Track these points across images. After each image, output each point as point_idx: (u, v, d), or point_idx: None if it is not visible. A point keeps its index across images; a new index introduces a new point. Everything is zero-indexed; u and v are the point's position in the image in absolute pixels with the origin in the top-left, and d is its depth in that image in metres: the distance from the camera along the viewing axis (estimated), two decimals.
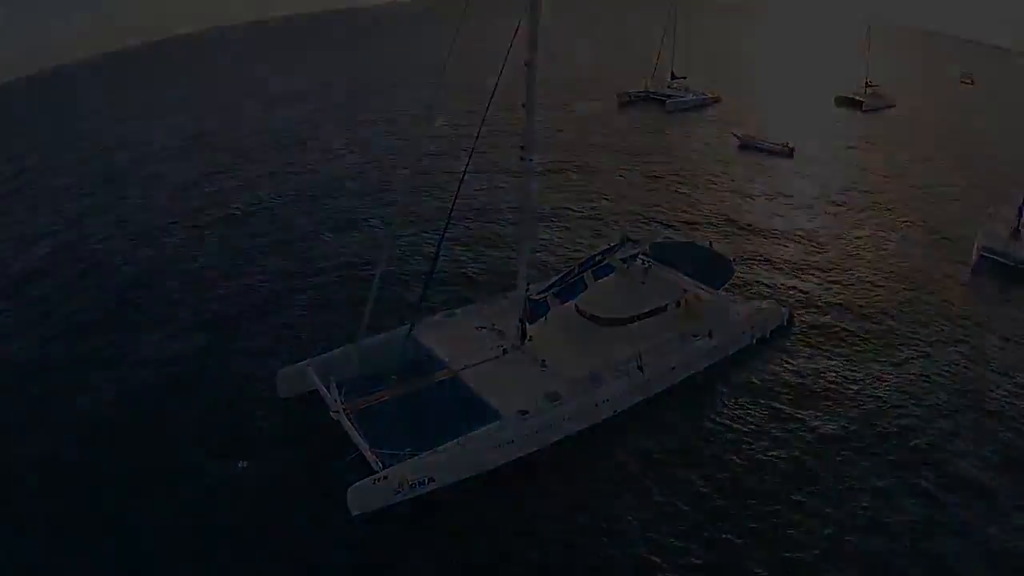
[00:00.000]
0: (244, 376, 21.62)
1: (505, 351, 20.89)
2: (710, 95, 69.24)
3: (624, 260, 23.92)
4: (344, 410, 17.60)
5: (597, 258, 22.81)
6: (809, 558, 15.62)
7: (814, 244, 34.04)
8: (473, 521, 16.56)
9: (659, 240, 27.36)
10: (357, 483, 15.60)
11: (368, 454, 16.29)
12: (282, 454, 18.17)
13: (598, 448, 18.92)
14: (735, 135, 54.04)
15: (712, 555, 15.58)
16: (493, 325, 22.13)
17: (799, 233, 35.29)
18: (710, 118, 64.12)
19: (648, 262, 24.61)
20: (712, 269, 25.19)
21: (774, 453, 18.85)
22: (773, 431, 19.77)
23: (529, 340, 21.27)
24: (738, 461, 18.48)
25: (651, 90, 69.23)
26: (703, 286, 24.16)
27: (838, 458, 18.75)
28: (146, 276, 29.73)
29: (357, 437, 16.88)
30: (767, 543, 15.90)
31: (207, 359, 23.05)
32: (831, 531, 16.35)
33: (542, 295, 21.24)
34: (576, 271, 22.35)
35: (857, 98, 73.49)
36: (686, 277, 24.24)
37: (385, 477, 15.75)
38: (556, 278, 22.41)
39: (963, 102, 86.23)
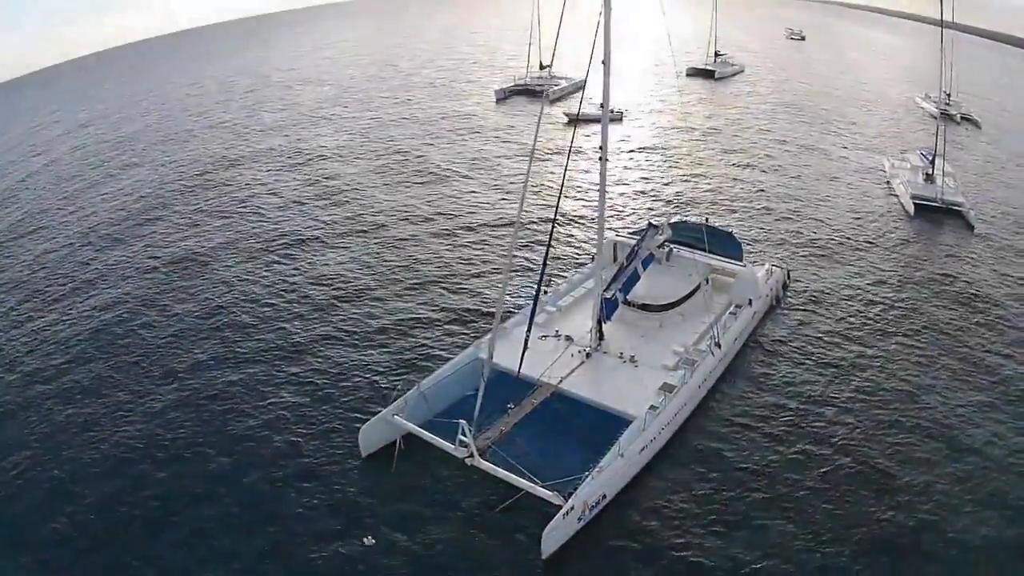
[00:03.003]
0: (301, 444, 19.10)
1: (588, 355, 20.59)
2: (576, 80, 70.89)
3: (659, 247, 24.31)
4: (477, 452, 16.36)
5: (637, 250, 23.05)
6: None
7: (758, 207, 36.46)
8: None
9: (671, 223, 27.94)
10: (550, 523, 14.65)
11: (541, 490, 15.23)
12: (414, 519, 16.40)
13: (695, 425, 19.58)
14: (563, 113, 56.25)
15: None
16: (557, 332, 21.70)
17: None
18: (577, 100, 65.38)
19: (669, 246, 25.19)
20: (722, 243, 26.20)
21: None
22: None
23: (602, 339, 21.15)
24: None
25: (526, 83, 70.00)
26: (730, 260, 25.16)
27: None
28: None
29: (513, 477, 15.64)
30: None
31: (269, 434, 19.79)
32: None
33: (611, 293, 21.16)
34: (626, 265, 22.50)
35: (708, 68, 78.41)
36: (709, 255, 25.02)
37: (572, 507, 14.98)
38: (613, 274, 22.37)
39: (799, 56, 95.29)
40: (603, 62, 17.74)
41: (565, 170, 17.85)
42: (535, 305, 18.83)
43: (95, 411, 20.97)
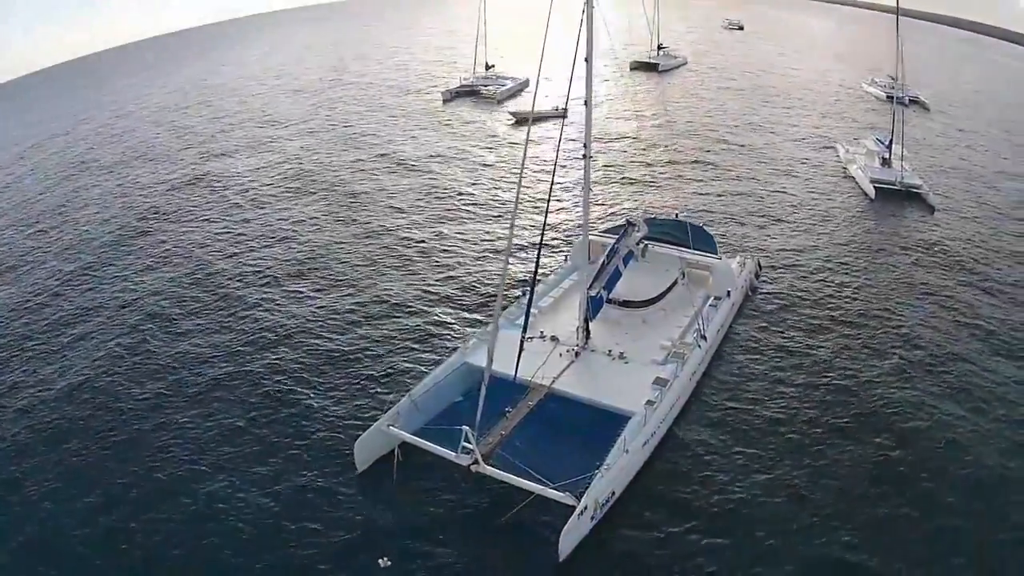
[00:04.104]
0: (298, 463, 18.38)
1: (577, 354, 20.53)
2: (521, 80, 70.26)
3: (637, 243, 24.42)
4: (481, 459, 16.03)
5: (618, 248, 23.11)
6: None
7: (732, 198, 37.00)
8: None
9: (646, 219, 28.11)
10: (565, 525, 14.48)
11: (552, 492, 15.09)
12: (421, 531, 15.97)
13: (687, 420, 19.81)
14: (510, 113, 56.11)
15: None
16: (542, 332, 21.55)
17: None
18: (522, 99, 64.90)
19: (645, 242, 25.33)
20: (696, 237, 26.34)
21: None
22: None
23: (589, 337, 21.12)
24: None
25: (471, 83, 69.30)
26: (705, 254, 25.40)
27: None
28: None
29: (523, 480, 15.44)
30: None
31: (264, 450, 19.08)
32: None
33: (596, 291, 21.16)
34: (608, 262, 22.52)
35: (651, 61, 78.67)
36: (686, 249, 25.19)
37: (585, 507, 14.87)
38: (595, 272, 22.35)
39: (741, 46, 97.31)
40: (586, 59, 17.70)
41: (554, 172, 17.67)
42: (529, 307, 18.71)
43: (78, 430, 20.08)
